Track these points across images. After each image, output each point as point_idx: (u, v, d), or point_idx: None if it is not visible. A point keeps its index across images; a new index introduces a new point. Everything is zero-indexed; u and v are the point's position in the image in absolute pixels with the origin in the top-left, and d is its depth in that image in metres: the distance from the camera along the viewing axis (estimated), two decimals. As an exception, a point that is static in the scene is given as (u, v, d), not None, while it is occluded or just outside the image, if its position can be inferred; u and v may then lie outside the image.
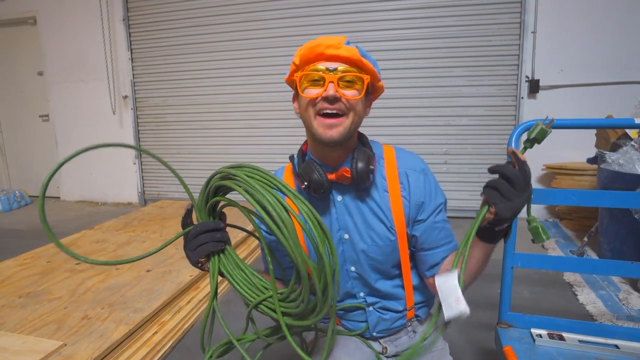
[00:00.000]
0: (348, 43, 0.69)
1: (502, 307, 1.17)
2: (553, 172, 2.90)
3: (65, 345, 1.24)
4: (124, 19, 3.67)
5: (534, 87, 2.95)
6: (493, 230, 0.59)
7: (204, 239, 0.60)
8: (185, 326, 1.57)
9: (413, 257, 0.79)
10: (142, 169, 3.92)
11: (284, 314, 0.58)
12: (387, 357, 0.81)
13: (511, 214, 0.54)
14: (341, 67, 0.67)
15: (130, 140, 3.87)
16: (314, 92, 0.68)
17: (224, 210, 0.65)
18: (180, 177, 0.61)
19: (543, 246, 2.48)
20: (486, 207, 0.57)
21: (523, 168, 0.54)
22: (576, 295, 1.82)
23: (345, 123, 0.68)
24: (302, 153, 0.80)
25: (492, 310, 1.48)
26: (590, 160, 2.35)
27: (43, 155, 4.24)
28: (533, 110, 2.98)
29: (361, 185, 0.71)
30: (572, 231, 2.71)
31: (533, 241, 0.61)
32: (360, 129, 0.76)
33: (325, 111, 0.67)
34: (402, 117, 3.17)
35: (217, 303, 0.63)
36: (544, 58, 2.92)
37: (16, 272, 1.88)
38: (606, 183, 2.06)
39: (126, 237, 2.38)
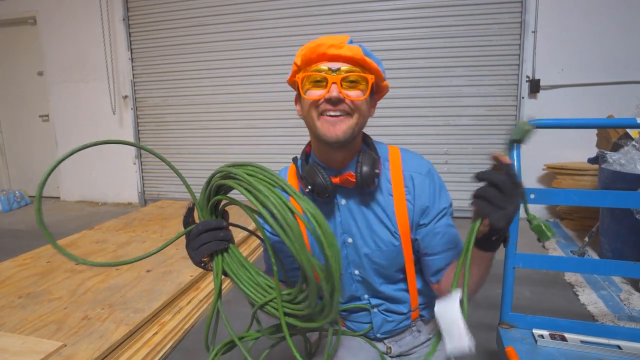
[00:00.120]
0: (351, 42, 0.67)
1: (503, 307, 1.16)
2: (554, 172, 2.90)
3: (65, 345, 1.24)
4: (124, 19, 3.67)
5: (535, 86, 2.95)
6: (491, 239, 0.57)
7: (207, 237, 0.58)
8: (186, 327, 1.57)
9: (418, 262, 0.77)
10: (142, 169, 3.92)
11: (291, 315, 0.57)
12: (391, 357, 0.81)
13: (506, 222, 0.51)
14: (344, 67, 0.65)
15: (131, 141, 3.86)
16: (316, 93, 0.66)
17: (227, 208, 0.64)
18: (181, 174, 0.60)
19: (544, 246, 2.48)
20: (479, 220, 0.54)
21: (508, 171, 0.51)
22: (577, 295, 1.82)
23: (349, 122, 0.67)
24: (306, 155, 0.78)
25: (493, 310, 1.48)
26: (591, 160, 2.35)
27: (43, 155, 4.23)
28: (534, 110, 2.97)
29: (366, 190, 0.70)
30: (573, 231, 2.71)
31: (539, 240, 0.59)
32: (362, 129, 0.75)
33: (328, 113, 0.66)
34: (403, 117, 3.17)
35: (221, 303, 0.62)
36: (545, 58, 2.92)
37: (16, 272, 1.87)
38: (607, 183, 2.06)
39: (126, 238, 2.38)
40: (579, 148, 2.86)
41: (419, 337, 0.81)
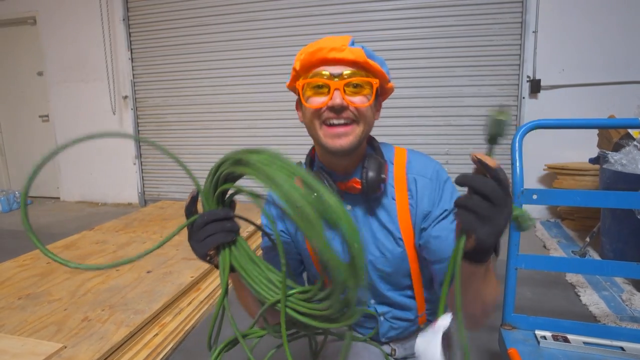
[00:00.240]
0: (353, 43, 0.64)
1: (505, 308, 1.16)
2: (555, 173, 2.89)
3: (65, 347, 1.23)
4: (124, 19, 3.66)
5: (535, 87, 2.94)
6: (478, 254, 0.49)
7: (213, 229, 0.53)
8: (187, 328, 1.56)
9: (426, 268, 0.73)
10: (142, 169, 3.91)
11: (308, 315, 0.52)
12: (395, 359, 0.80)
13: (495, 238, 0.43)
14: (347, 71, 0.62)
15: (131, 141, 3.85)
16: (318, 100, 0.63)
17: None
18: (182, 162, 0.55)
19: (545, 246, 2.47)
20: (463, 237, 0.45)
21: (497, 176, 0.42)
22: (579, 296, 1.81)
23: (355, 131, 0.64)
24: (311, 159, 0.76)
25: (495, 311, 1.47)
26: (593, 161, 2.34)
27: (43, 155, 4.21)
28: (534, 110, 2.97)
29: (371, 196, 0.67)
30: (574, 231, 2.70)
31: (518, 228, 0.50)
32: None
33: (332, 121, 0.63)
34: (404, 117, 3.16)
35: (227, 301, 0.57)
36: (546, 58, 2.91)
37: (16, 273, 1.87)
38: (608, 183, 2.05)
39: (126, 238, 2.37)
40: (579, 148, 2.86)
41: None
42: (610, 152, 2.05)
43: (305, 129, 0.69)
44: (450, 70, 3.07)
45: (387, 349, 0.80)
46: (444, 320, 0.47)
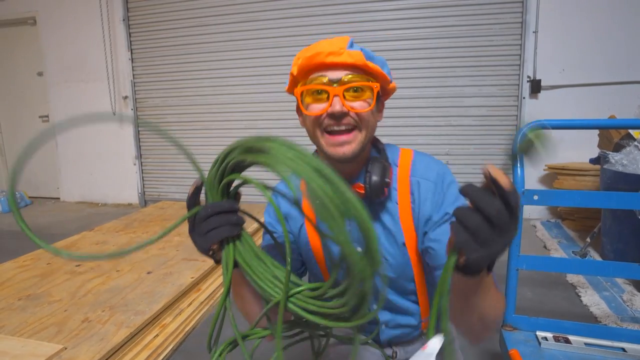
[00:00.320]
0: (352, 45, 0.62)
1: (506, 309, 1.16)
2: (555, 173, 2.89)
3: (66, 348, 1.23)
4: (124, 19, 3.66)
5: (536, 87, 2.94)
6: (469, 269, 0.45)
7: (217, 221, 0.50)
8: (187, 329, 1.56)
9: (430, 273, 0.71)
10: (142, 170, 3.91)
11: (318, 313, 0.50)
12: None
13: (487, 262, 0.40)
14: (346, 75, 0.60)
15: (131, 141, 3.86)
16: (317, 107, 0.61)
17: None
18: (184, 147, 0.51)
19: (545, 247, 2.47)
20: (454, 255, 0.42)
21: (507, 198, 0.37)
22: (580, 296, 1.81)
23: (357, 138, 0.62)
24: None
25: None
26: (593, 161, 2.34)
27: (43, 156, 4.22)
28: (535, 110, 2.97)
29: (375, 200, 0.65)
30: (574, 232, 2.70)
31: (522, 155, 0.43)
32: None
33: (332, 128, 0.61)
34: (404, 118, 3.16)
35: (230, 300, 0.54)
36: (546, 58, 2.91)
37: (16, 274, 1.87)
38: (609, 184, 2.05)
39: (127, 239, 2.37)
40: (580, 148, 2.85)
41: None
42: (610, 153, 2.05)
43: (305, 130, 0.68)
44: (450, 70, 3.07)
45: (388, 351, 0.80)
46: (436, 342, 0.44)
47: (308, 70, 0.62)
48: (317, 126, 0.63)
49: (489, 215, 0.37)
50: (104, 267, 1.93)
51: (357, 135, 0.62)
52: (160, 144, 3.82)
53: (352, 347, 0.76)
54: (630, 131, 2.09)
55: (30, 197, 4.14)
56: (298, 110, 0.69)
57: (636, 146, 1.98)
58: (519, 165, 1.17)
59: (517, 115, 3.01)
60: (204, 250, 0.53)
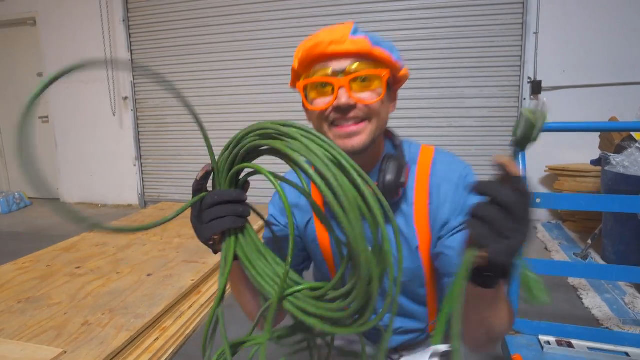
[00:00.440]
0: (355, 31, 0.57)
1: (509, 313, 1.15)
2: (555, 174, 2.89)
3: (65, 352, 1.22)
4: (124, 20, 3.65)
5: (537, 88, 2.93)
6: (485, 275, 0.43)
7: (223, 211, 0.47)
8: (187, 332, 1.55)
9: (440, 279, 0.69)
10: (142, 171, 3.90)
11: (315, 316, 0.47)
12: None
13: (508, 257, 0.38)
14: (351, 65, 0.56)
15: (131, 142, 3.85)
16: (323, 102, 0.57)
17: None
18: (200, 119, 0.48)
19: (546, 248, 2.47)
20: (473, 250, 0.40)
21: (519, 186, 0.37)
22: (581, 299, 1.80)
23: (367, 129, 0.58)
24: None
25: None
26: (594, 162, 2.34)
27: (43, 157, 4.21)
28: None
29: (388, 201, 0.62)
30: (575, 233, 2.70)
31: (528, 298, 0.44)
32: None
33: (339, 122, 0.58)
34: (405, 119, 3.15)
35: (223, 308, 0.51)
36: (546, 59, 2.91)
37: (15, 276, 1.86)
38: (611, 185, 2.05)
39: (126, 241, 2.36)
40: (581, 149, 2.85)
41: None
42: (612, 154, 2.04)
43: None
44: (451, 71, 3.06)
45: (394, 356, 0.78)
46: (440, 347, 0.44)
47: (310, 63, 0.58)
48: (323, 121, 0.59)
49: (506, 204, 0.37)
50: (104, 269, 1.92)
51: (367, 126, 0.58)
52: (160, 145, 3.82)
53: (353, 339, 0.74)
54: (632, 133, 2.08)
55: (30, 198, 4.13)
56: (304, 105, 0.65)
57: (638, 148, 1.97)
58: (520, 167, 1.17)
59: (517, 117, 3.00)
60: (205, 239, 0.51)
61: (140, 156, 3.88)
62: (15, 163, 4.39)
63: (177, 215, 0.47)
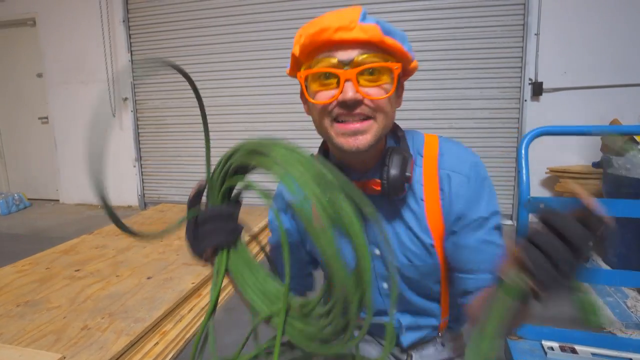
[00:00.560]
0: (364, 18, 0.52)
1: (512, 318, 1.14)
2: (557, 176, 2.88)
3: (65, 357, 1.21)
4: (124, 21, 3.64)
5: (538, 89, 2.93)
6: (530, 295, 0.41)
7: (214, 227, 0.48)
8: (187, 335, 1.54)
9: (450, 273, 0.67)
10: (142, 172, 3.89)
11: (305, 334, 0.47)
12: None
13: (561, 291, 0.37)
14: (359, 55, 0.51)
15: (131, 143, 3.83)
16: (326, 95, 0.53)
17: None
18: (207, 126, 0.52)
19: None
20: (524, 276, 0.37)
21: (600, 232, 0.35)
22: (583, 302, 1.79)
23: (372, 128, 0.54)
24: (324, 152, 0.66)
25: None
26: (596, 165, 2.33)
27: (42, 157, 4.21)
28: (537, 113, 2.95)
29: (394, 197, 0.58)
30: (577, 235, 2.68)
31: (584, 320, 0.42)
32: None
33: (343, 119, 0.54)
34: (406, 120, 3.14)
35: (213, 321, 0.51)
36: (547, 60, 2.90)
37: (14, 279, 1.85)
38: (613, 188, 2.04)
39: (126, 243, 2.35)
40: (582, 151, 2.84)
41: (443, 352, 0.74)
42: (614, 157, 2.04)
43: (312, 132, 0.62)
44: (452, 72, 3.05)
45: (402, 355, 0.76)
46: None
47: (313, 50, 0.54)
48: (325, 116, 0.55)
49: (577, 244, 0.35)
50: (104, 272, 1.91)
51: (373, 125, 0.54)
52: (159, 147, 3.81)
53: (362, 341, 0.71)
54: (634, 136, 2.07)
55: (29, 199, 4.12)
56: (302, 96, 0.60)
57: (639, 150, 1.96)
58: (524, 171, 1.16)
59: (519, 118, 3.00)
60: (197, 254, 0.51)
61: (140, 157, 3.87)
62: (14, 164, 4.39)
63: (176, 227, 0.49)
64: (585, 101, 2.90)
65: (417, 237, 0.61)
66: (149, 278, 1.83)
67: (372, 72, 0.52)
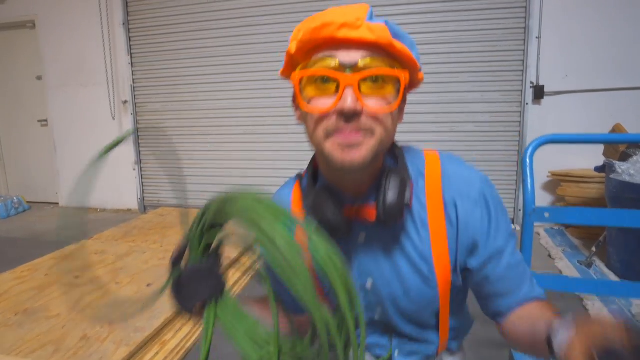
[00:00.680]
0: (371, 17, 0.46)
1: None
2: (558, 179, 2.86)
3: (64, 369, 1.20)
4: (124, 23, 3.63)
5: (539, 92, 2.92)
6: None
7: (200, 284, 0.48)
8: (188, 345, 1.53)
9: (455, 301, 0.62)
10: (142, 175, 3.88)
11: None
12: None
13: None
14: (364, 58, 0.45)
15: (130, 146, 3.82)
16: (323, 103, 0.47)
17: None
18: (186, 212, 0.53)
19: (550, 255, 2.44)
20: None
21: None
22: (587, 309, 1.78)
23: (369, 143, 0.48)
24: (314, 171, 0.60)
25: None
26: (598, 169, 2.31)
27: (41, 160, 4.19)
28: (538, 116, 2.94)
29: (391, 225, 0.52)
30: (579, 239, 2.67)
31: None
32: None
33: (340, 131, 0.47)
34: (407, 124, 3.11)
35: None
36: (549, 63, 2.89)
37: (13, 286, 1.83)
38: (615, 193, 2.03)
39: (126, 248, 2.34)
40: (584, 155, 2.83)
41: None
42: (617, 162, 2.02)
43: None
44: (453, 75, 3.04)
45: None
46: None
47: (312, 48, 0.47)
48: (320, 125, 0.48)
49: None
50: (103, 279, 1.90)
51: (370, 139, 0.48)
52: (159, 150, 3.79)
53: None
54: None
55: (28, 202, 4.10)
56: (294, 101, 0.54)
57: (643, 156, 1.95)
58: (529, 180, 1.14)
59: (520, 122, 2.98)
60: (186, 312, 0.51)
61: (140, 160, 3.86)
62: (14, 167, 4.37)
63: (162, 291, 0.52)
64: (587, 104, 2.89)
65: (416, 267, 0.56)
66: (148, 285, 1.82)
67: (375, 79, 0.46)
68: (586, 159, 2.81)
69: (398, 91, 0.48)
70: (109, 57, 3.68)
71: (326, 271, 0.40)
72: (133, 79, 3.73)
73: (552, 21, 2.84)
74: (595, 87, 2.85)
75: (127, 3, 3.62)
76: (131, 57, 3.70)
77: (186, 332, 1.56)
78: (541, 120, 2.93)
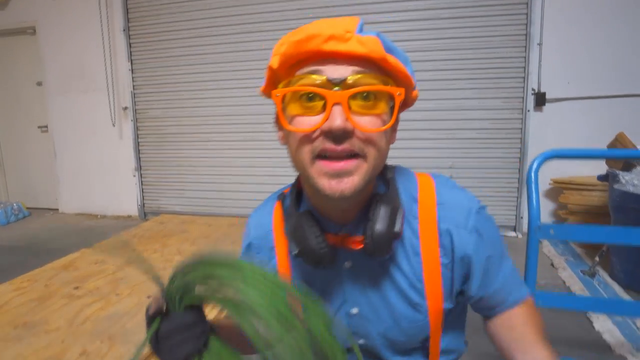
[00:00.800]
0: (362, 29, 0.43)
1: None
2: (561, 187, 2.85)
3: (63, 387, 1.18)
4: (124, 30, 3.63)
5: (540, 99, 2.91)
6: None
7: (181, 337, 0.44)
8: (188, 359, 1.51)
9: (448, 320, 0.59)
10: (142, 182, 3.86)
11: None
12: None
13: None
14: (353, 74, 0.41)
15: (130, 153, 3.81)
16: (308, 122, 0.43)
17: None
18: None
19: (552, 264, 2.43)
20: None
21: None
22: (591, 322, 1.76)
23: (361, 169, 0.44)
24: (297, 194, 0.56)
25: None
26: (601, 178, 2.30)
27: (41, 166, 4.18)
28: (539, 123, 2.94)
29: (378, 257, 0.49)
30: (581, 248, 2.66)
31: None
32: None
33: (328, 154, 0.43)
34: (406, 130, 3.12)
35: None
36: (550, 70, 2.89)
37: (12, 297, 1.81)
38: (619, 203, 2.01)
39: (126, 258, 2.32)
40: (586, 163, 2.82)
41: None
42: (620, 172, 2.01)
43: None
44: (454, 82, 3.03)
45: None
46: None
47: (296, 63, 0.44)
48: (305, 146, 0.44)
49: None
50: (103, 290, 1.88)
51: (361, 164, 0.44)
52: (160, 156, 3.78)
53: None
54: (640, 150, 2.05)
55: (28, 208, 4.09)
56: (277, 121, 0.50)
57: (647, 166, 1.94)
58: (534, 196, 1.13)
59: (521, 129, 2.98)
60: None
61: (140, 167, 3.85)
62: (13, 173, 4.36)
63: (142, 347, 0.48)
64: (588, 111, 2.88)
65: (407, 297, 0.53)
66: (149, 297, 1.80)
67: (367, 96, 0.42)
68: (588, 167, 2.80)
69: (392, 109, 0.45)
70: (109, 63, 3.68)
71: (323, 345, 0.40)
72: (133, 85, 3.73)
73: (554, 28, 2.84)
74: (597, 93, 2.85)
75: (127, 9, 3.62)
76: (131, 64, 3.70)
77: (187, 347, 1.54)
78: (542, 127, 2.92)
